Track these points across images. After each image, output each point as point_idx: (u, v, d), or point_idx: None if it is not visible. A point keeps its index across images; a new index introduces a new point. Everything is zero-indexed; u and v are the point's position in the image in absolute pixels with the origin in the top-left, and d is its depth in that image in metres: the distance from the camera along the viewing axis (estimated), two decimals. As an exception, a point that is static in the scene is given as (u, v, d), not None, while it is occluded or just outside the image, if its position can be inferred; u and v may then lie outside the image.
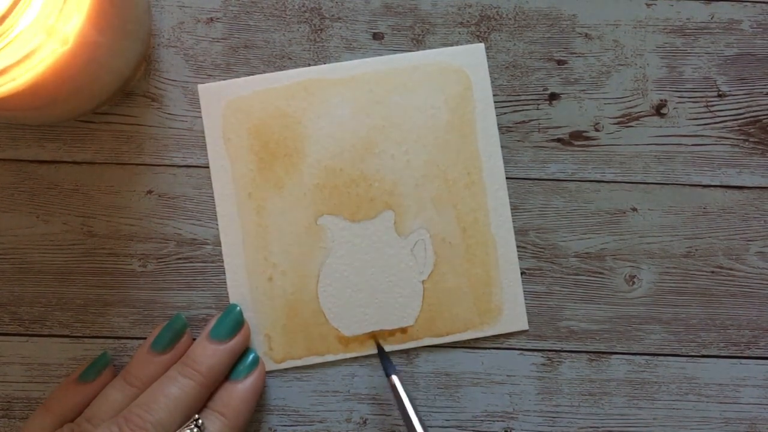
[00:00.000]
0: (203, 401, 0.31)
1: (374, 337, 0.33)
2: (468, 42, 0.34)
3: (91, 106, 0.32)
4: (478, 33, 0.34)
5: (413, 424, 0.30)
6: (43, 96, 0.28)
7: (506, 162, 0.34)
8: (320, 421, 0.33)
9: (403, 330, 0.33)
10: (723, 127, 0.34)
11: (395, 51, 0.34)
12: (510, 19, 0.34)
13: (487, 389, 0.34)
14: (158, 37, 0.34)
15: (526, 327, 0.34)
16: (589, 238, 0.34)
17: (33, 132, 0.34)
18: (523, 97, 0.34)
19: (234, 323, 0.32)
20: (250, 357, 0.32)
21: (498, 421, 0.34)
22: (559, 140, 0.34)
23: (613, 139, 0.34)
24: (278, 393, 0.33)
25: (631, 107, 0.34)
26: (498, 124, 0.34)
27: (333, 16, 0.34)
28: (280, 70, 0.34)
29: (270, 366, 0.33)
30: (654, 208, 0.34)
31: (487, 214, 0.34)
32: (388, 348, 0.33)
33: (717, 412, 0.34)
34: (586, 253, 0.34)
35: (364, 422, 0.33)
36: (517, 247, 0.34)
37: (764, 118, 0.35)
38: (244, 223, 0.33)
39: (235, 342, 0.32)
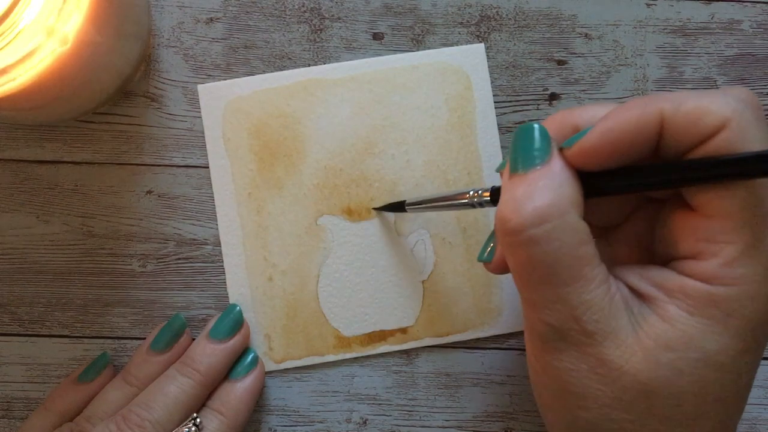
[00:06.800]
0: (202, 400, 0.31)
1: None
2: (468, 42, 0.34)
3: (91, 106, 0.32)
4: (478, 33, 0.34)
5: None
6: (43, 96, 0.28)
7: (506, 162, 0.34)
8: (320, 421, 0.33)
9: (403, 330, 0.33)
10: (723, 127, 0.34)
11: (395, 51, 0.34)
12: (510, 19, 0.34)
13: (487, 389, 0.34)
14: (158, 37, 0.34)
15: (526, 327, 0.34)
16: (589, 238, 0.34)
17: (33, 132, 0.34)
18: (523, 97, 0.34)
19: (233, 323, 0.32)
20: (250, 357, 0.32)
21: (498, 421, 0.34)
22: (559, 140, 0.34)
23: (613, 139, 0.34)
24: (278, 393, 0.33)
25: (631, 107, 0.34)
26: (498, 124, 0.34)
27: (333, 16, 0.34)
28: (280, 70, 0.34)
29: (270, 366, 0.33)
30: (654, 208, 0.34)
31: (487, 214, 0.34)
32: (387, 348, 0.33)
33: (717, 413, 0.34)
34: (586, 253, 0.34)
35: (364, 422, 0.33)
36: (517, 247, 0.34)
37: (764, 118, 0.34)
38: (244, 223, 0.33)
39: (234, 342, 0.32)
